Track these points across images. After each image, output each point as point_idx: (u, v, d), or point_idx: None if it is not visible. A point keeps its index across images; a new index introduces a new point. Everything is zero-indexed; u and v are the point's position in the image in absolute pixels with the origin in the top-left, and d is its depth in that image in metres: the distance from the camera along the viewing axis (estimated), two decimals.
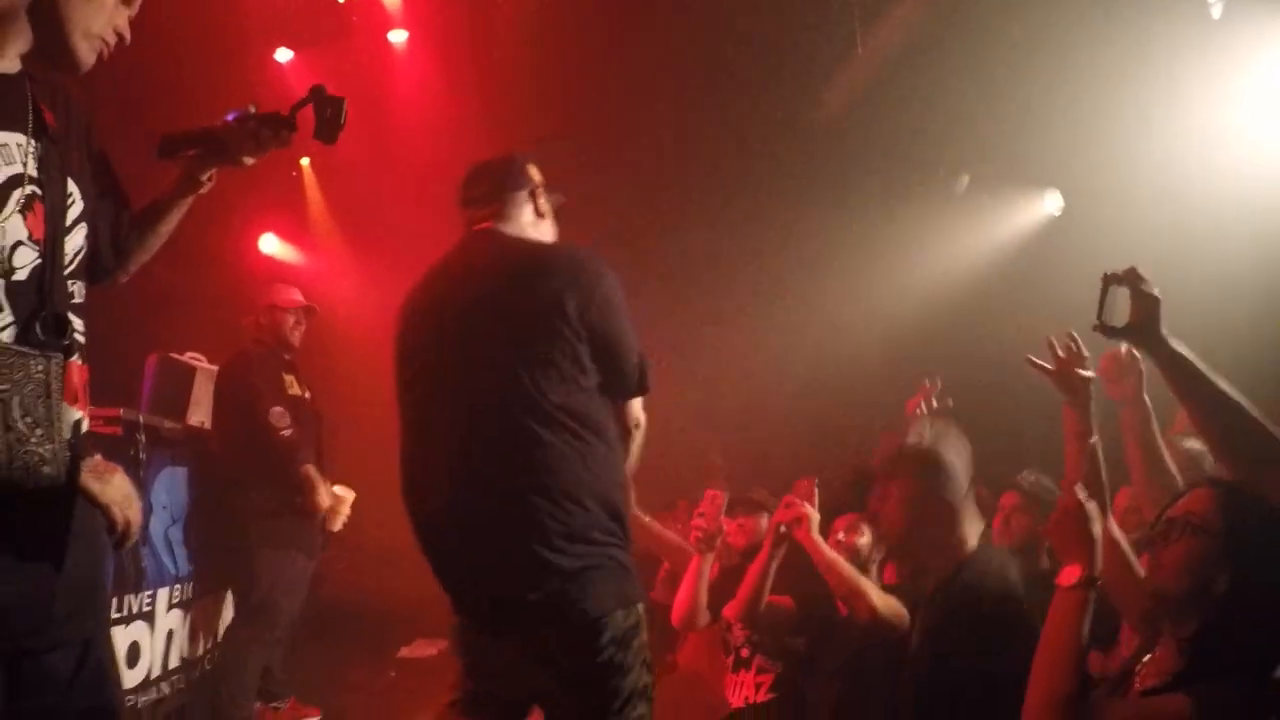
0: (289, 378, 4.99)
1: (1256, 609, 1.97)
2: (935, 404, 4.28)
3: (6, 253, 1.74)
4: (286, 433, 4.72)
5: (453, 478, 2.48)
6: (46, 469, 1.69)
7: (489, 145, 7.20)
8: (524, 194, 2.74)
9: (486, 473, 2.43)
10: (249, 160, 2.21)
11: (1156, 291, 2.39)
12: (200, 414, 5.20)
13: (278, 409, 4.74)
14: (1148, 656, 2.15)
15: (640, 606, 2.45)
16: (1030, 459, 4.08)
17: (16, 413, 1.66)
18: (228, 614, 5.05)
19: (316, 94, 2.21)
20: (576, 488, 2.39)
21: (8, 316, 1.72)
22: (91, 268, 1.99)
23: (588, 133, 7.40)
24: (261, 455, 4.71)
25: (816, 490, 3.89)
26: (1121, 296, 2.42)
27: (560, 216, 2.79)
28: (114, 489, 1.89)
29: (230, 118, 2.17)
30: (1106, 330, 2.43)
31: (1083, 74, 6.21)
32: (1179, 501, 2.17)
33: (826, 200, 7.44)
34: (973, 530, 2.96)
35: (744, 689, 4.23)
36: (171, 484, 4.61)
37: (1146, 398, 3.00)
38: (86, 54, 1.85)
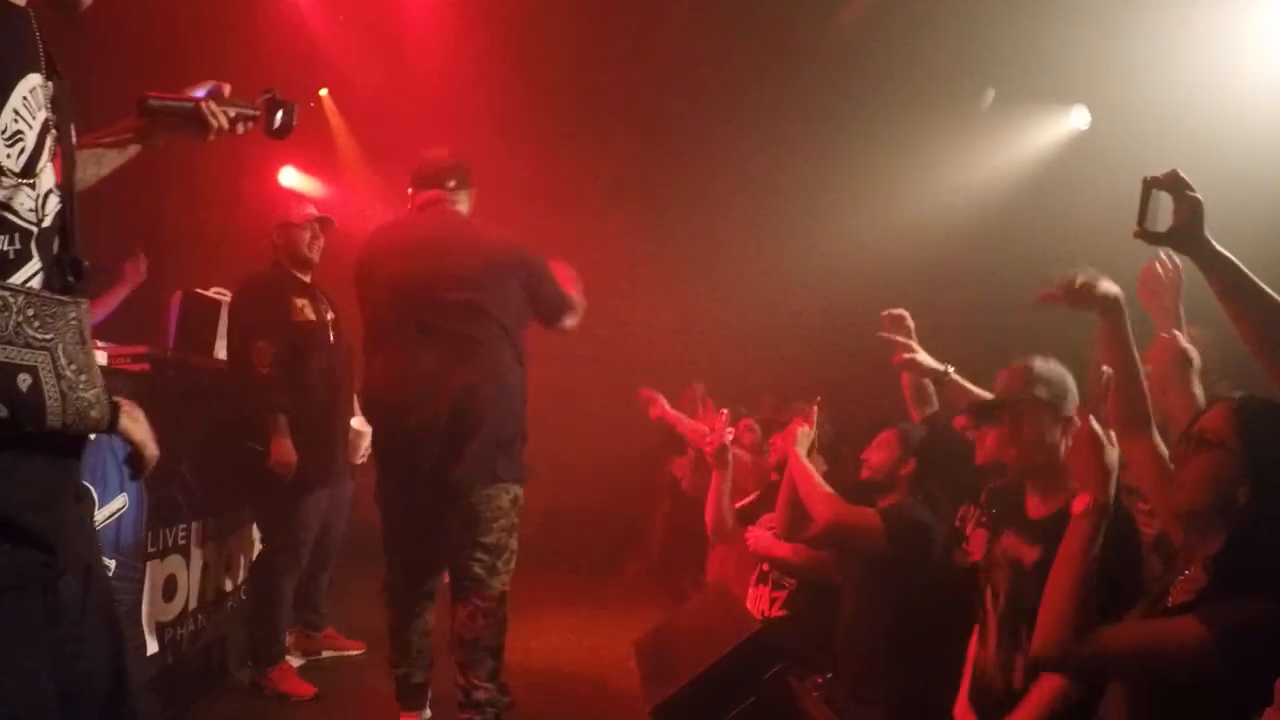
0: (301, 301, 4.70)
1: (1275, 523, 1.98)
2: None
3: (41, 200, 1.75)
4: (265, 370, 4.49)
5: (442, 382, 3.65)
6: (94, 413, 1.76)
7: (508, 72, 7.20)
8: (470, 191, 4.12)
9: (464, 377, 3.65)
10: (210, 138, 2.33)
11: (1199, 195, 2.35)
12: (225, 349, 5.15)
13: (262, 344, 4.50)
14: (1182, 575, 2.15)
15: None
16: None
17: (63, 360, 1.71)
18: (259, 546, 5.04)
19: (271, 99, 2.44)
20: (519, 388, 3.82)
21: (36, 264, 1.74)
22: None
23: (599, 53, 7.31)
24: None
25: (816, 409, 4.24)
26: (1163, 201, 2.37)
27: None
28: (142, 428, 1.94)
29: (201, 94, 2.28)
30: (1148, 235, 2.39)
31: None
32: (1199, 419, 2.18)
33: (850, 116, 7.38)
34: None
35: (761, 602, 4.45)
36: (200, 419, 4.63)
37: (1181, 309, 2.99)
38: None
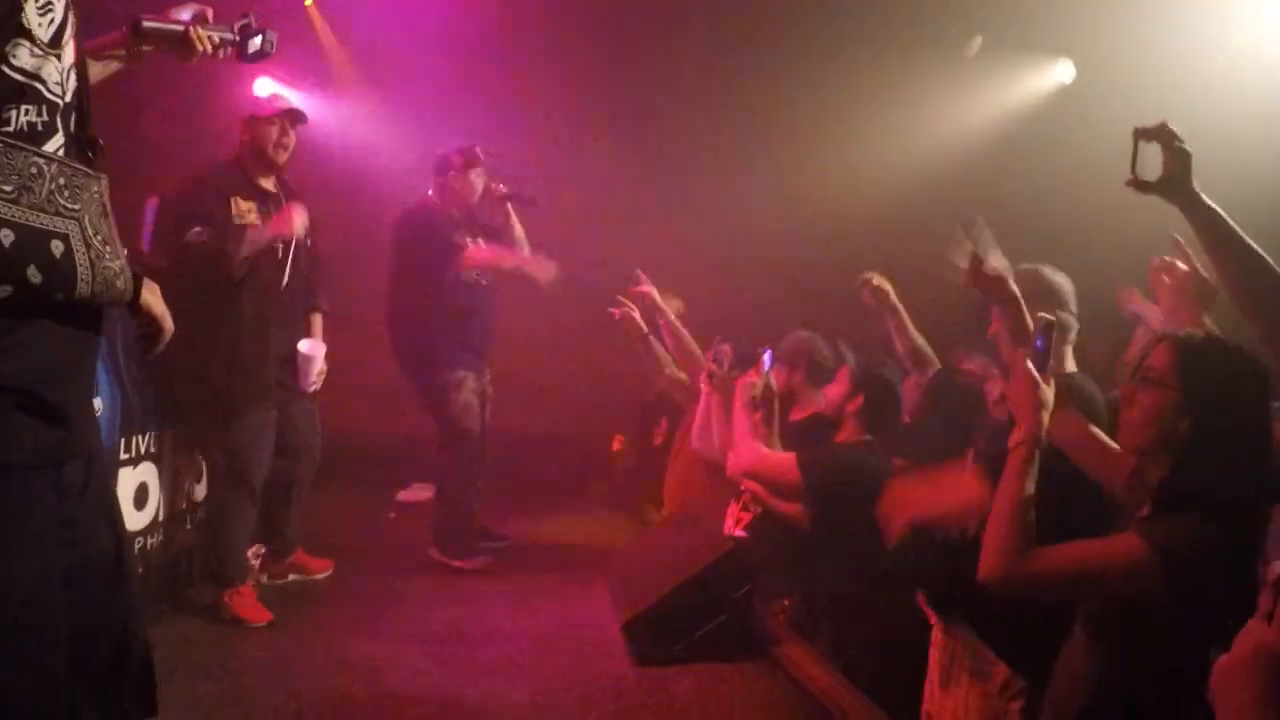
0: (246, 204, 4.38)
1: (1214, 451, 2.12)
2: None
3: (65, 74, 1.79)
4: (201, 238, 4.20)
5: None
6: (119, 283, 1.82)
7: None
8: None
9: None
10: (193, 61, 2.53)
11: (1188, 146, 2.41)
12: None
13: (198, 229, 4.21)
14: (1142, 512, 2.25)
15: None
16: None
17: (90, 231, 1.75)
18: None
19: (247, 25, 2.63)
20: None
21: (61, 138, 1.78)
22: None
23: None
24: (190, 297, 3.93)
25: (768, 358, 4.36)
26: (1151, 152, 2.43)
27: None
28: (159, 301, 2.02)
29: (186, 17, 2.49)
30: (1139, 184, 2.44)
31: None
32: (1145, 356, 2.29)
33: (835, 56, 7.33)
34: None
35: (730, 518, 4.54)
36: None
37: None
38: None
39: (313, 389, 4.76)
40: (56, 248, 1.68)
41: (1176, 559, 2.02)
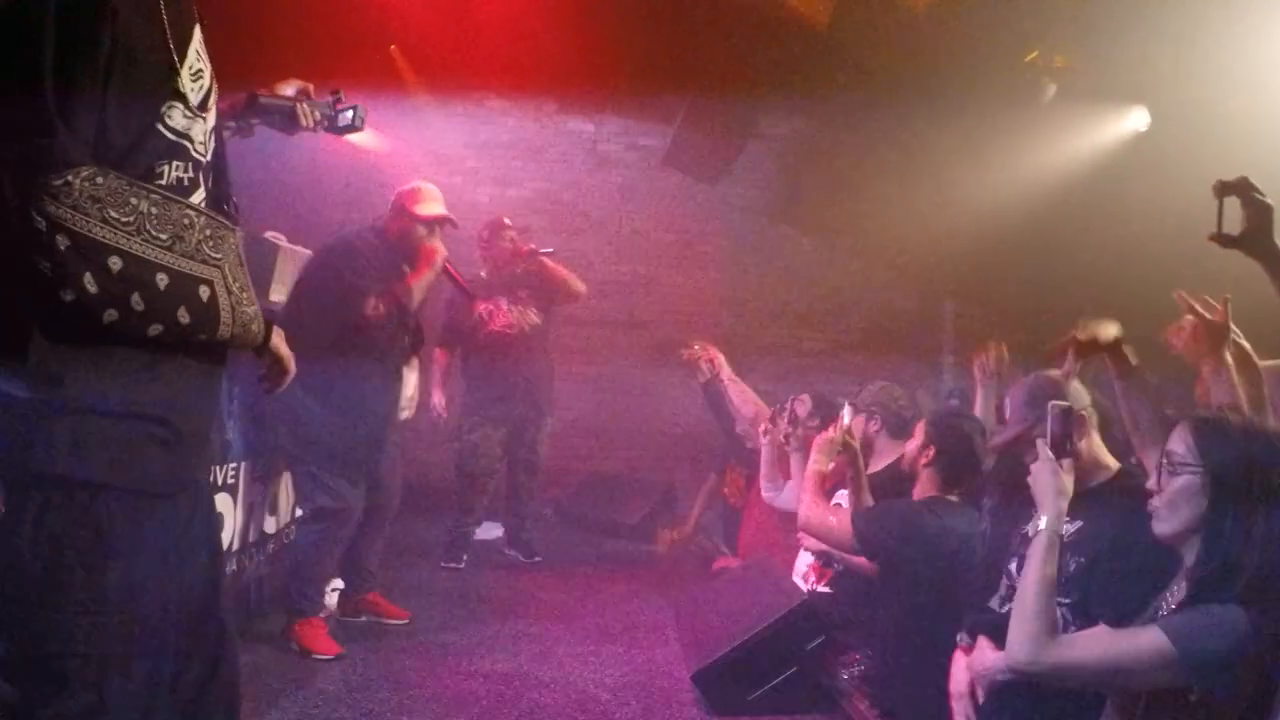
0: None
1: (1238, 530, 2.05)
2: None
3: (208, 135, 1.95)
4: (378, 311, 4.35)
5: None
6: (254, 326, 1.99)
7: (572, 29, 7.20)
8: None
9: None
10: (294, 134, 2.76)
11: (1269, 200, 2.39)
12: (282, 292, 5.04)
13: (374, 300, 4.34)
14: (1173, 586, 2.22)
15: None
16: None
17: (230, 278, 1.91)
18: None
19: (339, 100, 2.86)
20: None
21: (203, 193, 1.94)
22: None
23: (666, 20, 7.26)
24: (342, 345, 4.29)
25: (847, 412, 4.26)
26: (1233, 206, 2.42)
27: None
28: (284, 344, 2.19)
29: (291, 93, 2.67)
30: (1222, 239, 2.43)
31: None
32: (1168, 441, 2.25)
33: (908, 103, 7.29)
34: None
35: (804, 570, 4.52)
36: (253, 358, 4.60)
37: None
38: None
39: (404, 416, 4.81)
40: (204, 292, 1.84)
41: (1202, 654, 1.98)
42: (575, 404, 5.80)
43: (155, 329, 1.76)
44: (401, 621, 4.92)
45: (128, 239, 1.71)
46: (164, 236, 1.77)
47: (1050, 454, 2.38)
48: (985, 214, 7.29)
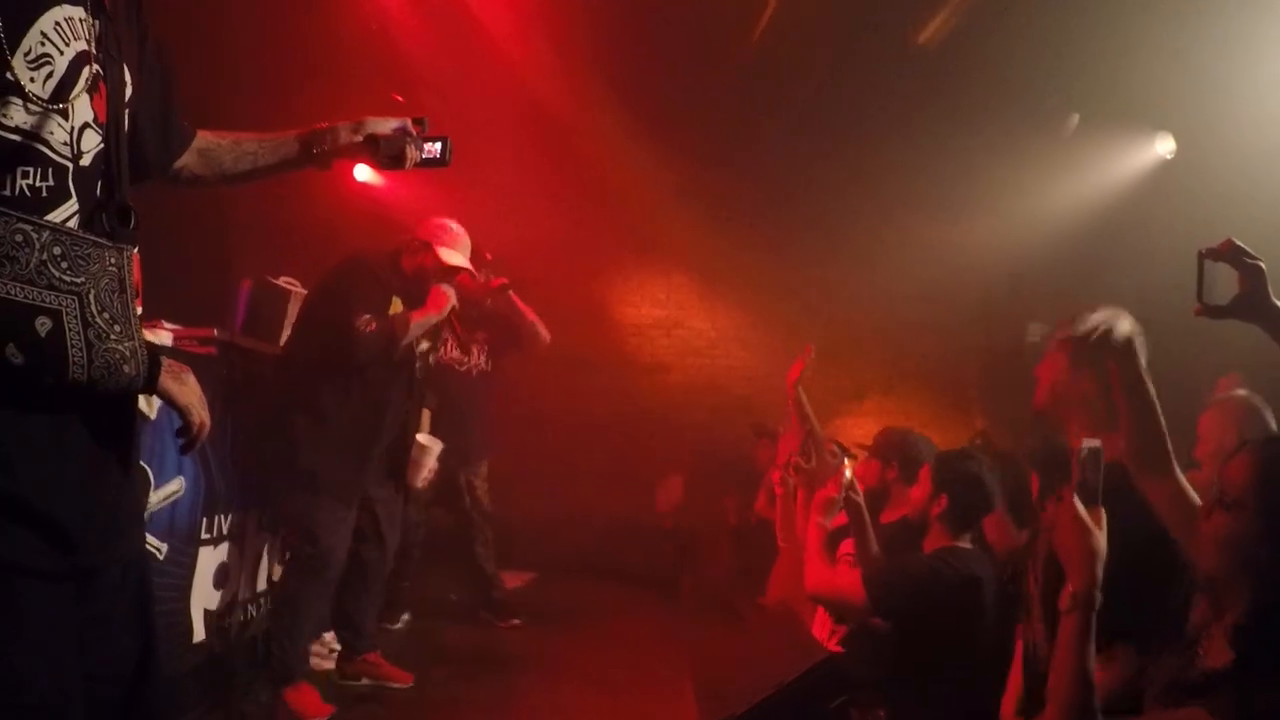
0: (400, 303, 4.34)
1: None
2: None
3: (75, 134, 1.64)
4: (370, 327, 4.10)
5: None
6: (126, 367, 1.61)
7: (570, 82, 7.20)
8: None
9: None
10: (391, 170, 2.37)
11: (1260, 261, 2.21)
12: None
13: (366, 316, 4.11)
14: (1208, 635, 1.93)
15: None
16: None
17: (94, 307, 1.56)
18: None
19: (424, 131, 2.40)
20: None
21: (74, 205, 1.63)
22: (131, 160, 1.85)
23: (683, 57, 7.22)
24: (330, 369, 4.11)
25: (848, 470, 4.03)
26: (1223, 272, 2.23)
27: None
28: (190, 390, 1.83)
29: (393, 127, 2.26)
30: (1210, 310, 2.23)
31: (1199, 12, 5.83)
32: (1224, 469, 1.95)
33: (932, 135, 7.25)
34: None
35: (822, 630, 4.33)
36: (260, 407, 4.52)
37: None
38: None
39: (422, 483, 4.71)
40: (42, 325, 1.51)
41: None
42: (595, 452, 5.67)
43: None
44: (405, 685, 4.65)
45: None
46: None
47: (1082, 509, 2.02)
48: (1010, 247, 7.24)
